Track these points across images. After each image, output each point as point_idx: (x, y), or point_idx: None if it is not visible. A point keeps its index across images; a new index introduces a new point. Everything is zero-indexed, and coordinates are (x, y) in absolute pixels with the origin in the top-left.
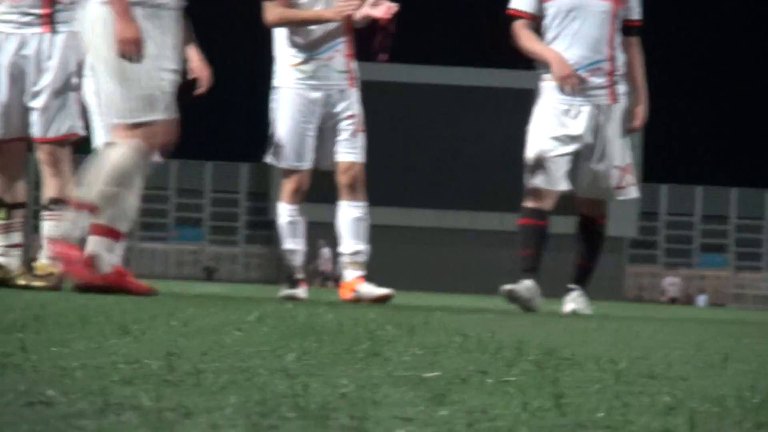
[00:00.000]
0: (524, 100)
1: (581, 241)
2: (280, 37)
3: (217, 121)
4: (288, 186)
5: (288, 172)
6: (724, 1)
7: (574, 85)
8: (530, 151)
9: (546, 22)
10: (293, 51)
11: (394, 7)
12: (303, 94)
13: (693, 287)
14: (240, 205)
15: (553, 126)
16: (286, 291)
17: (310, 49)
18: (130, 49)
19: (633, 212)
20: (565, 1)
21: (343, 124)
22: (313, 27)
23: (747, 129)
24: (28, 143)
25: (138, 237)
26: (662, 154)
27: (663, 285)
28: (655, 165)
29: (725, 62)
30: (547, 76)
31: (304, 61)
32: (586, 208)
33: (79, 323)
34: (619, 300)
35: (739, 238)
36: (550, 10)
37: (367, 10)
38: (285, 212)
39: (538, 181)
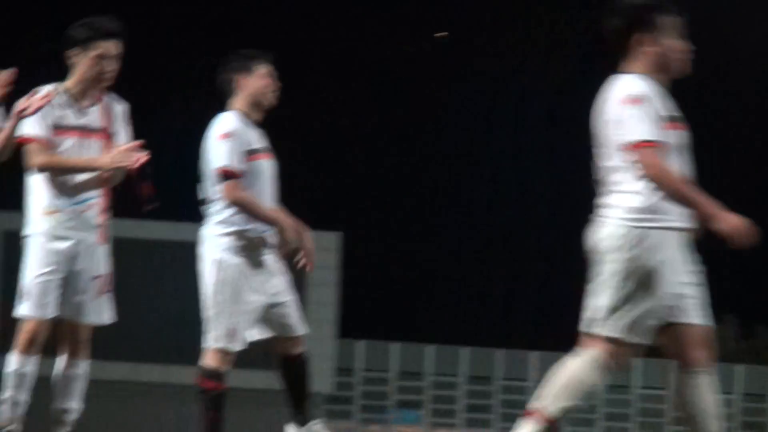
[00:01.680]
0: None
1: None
2: (36, 183)
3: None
4: None
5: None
6: None
7: None
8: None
9: None
10: (47, 199)
11: (143, 157)
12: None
13: None
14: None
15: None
16: None
17: (65, 197)
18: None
19: (328, 368)
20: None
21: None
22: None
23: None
24: None
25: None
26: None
27: None
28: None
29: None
30: None
31: (57, 210)
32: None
33: None
34: None
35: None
36: None
37: None
38: None
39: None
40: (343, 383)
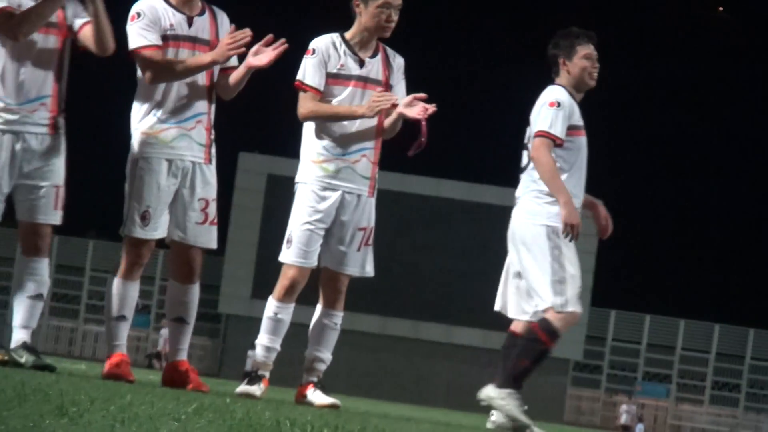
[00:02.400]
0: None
1: None
2: (308, 131)
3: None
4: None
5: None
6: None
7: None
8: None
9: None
10: (319, 148)
11: (431, 108)
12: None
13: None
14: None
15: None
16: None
17: (338, 147)
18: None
19: (580, 336)
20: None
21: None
22: (344, 124)
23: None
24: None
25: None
26: (613, 281)
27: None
28: (605, 291)
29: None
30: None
31: (329, 159)
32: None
33: (16, 400)
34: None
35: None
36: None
37: (402, 110)
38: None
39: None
40: (593, 351)
